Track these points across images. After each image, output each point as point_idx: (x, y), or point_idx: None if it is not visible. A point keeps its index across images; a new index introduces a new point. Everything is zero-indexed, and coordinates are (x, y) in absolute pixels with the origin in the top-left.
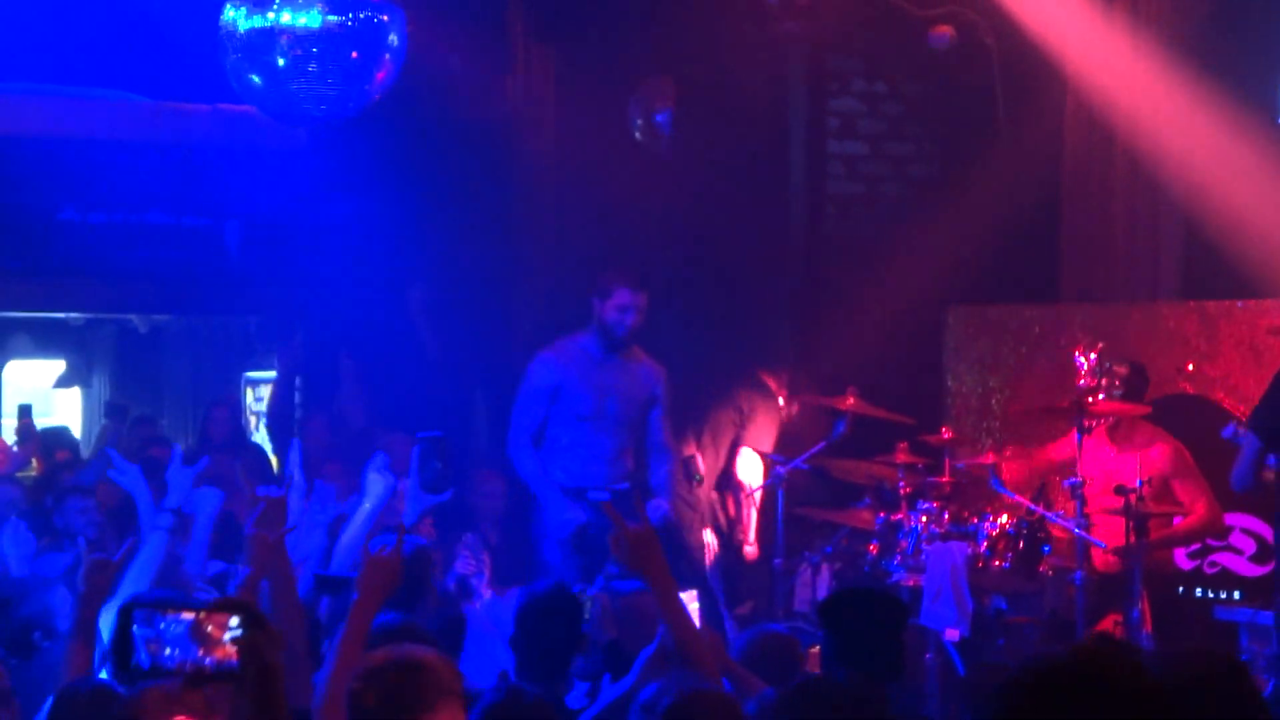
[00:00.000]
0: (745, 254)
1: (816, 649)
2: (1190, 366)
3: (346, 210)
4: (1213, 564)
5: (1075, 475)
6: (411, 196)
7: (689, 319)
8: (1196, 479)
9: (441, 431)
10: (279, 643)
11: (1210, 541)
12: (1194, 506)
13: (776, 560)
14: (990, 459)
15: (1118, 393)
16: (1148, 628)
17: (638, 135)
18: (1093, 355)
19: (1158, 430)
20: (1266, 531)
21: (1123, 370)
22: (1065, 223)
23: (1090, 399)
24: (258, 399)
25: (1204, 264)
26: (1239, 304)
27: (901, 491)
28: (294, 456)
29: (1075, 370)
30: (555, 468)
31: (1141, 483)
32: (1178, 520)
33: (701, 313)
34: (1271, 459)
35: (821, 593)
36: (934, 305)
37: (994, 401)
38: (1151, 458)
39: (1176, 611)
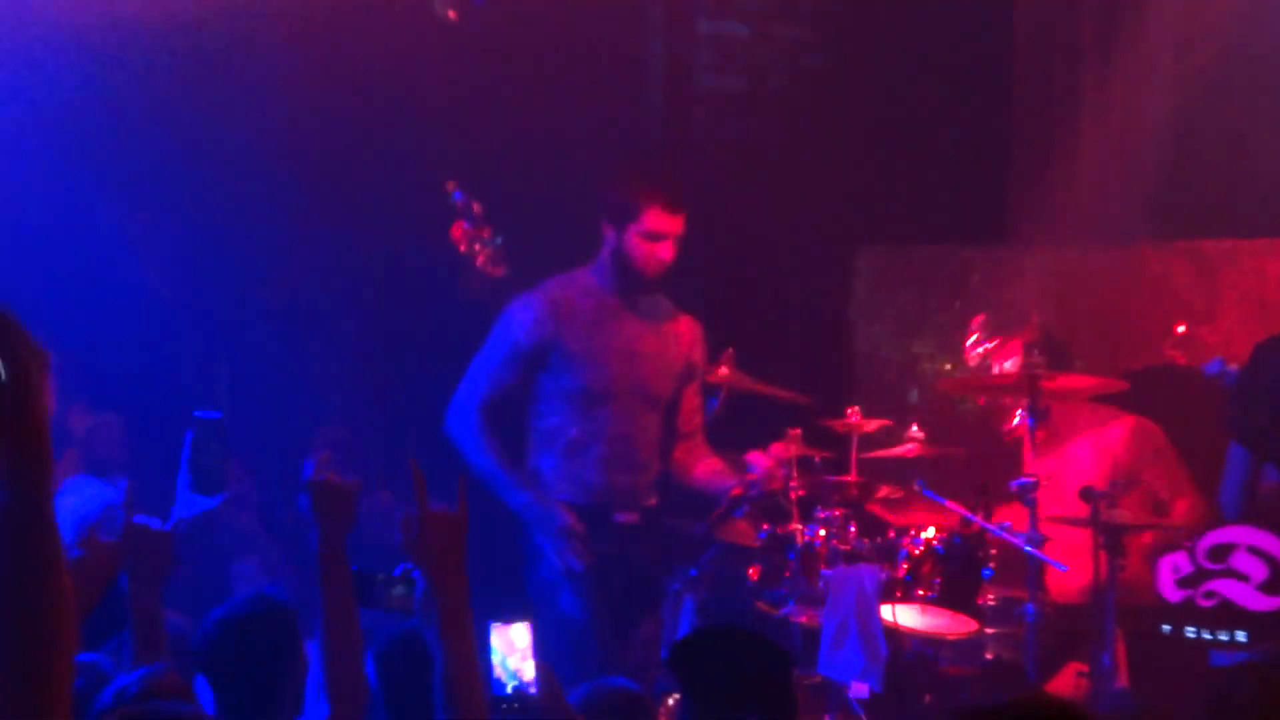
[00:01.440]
0: (585, 166)
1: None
2: (1181, 329)
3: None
4: (1209, 594)
5: (1025, 474)
6: None
7: (511, 252)
8: (1174, 464)
9: (222, 413)
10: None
11: (1206, 564)
12: (1173, 501)
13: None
14: (913, 451)
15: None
16: (1122, 679)
17: (437, 6)
18: (975, 324)
19: (1108, 408)
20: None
21: (1026, 338)
22: (1016, 137)
23: (1041, 372)
24: None
25: (1199, 196)
26: (1247, 244)
27: (792, 495)
28: None
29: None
30: (551, 479)
31: (1116, 483)
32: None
33: (527, 243)
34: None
35: (683, 630)
36: (839, 243)
37: (919, 373)
38: (1107, 442)
39: (1160, 657)
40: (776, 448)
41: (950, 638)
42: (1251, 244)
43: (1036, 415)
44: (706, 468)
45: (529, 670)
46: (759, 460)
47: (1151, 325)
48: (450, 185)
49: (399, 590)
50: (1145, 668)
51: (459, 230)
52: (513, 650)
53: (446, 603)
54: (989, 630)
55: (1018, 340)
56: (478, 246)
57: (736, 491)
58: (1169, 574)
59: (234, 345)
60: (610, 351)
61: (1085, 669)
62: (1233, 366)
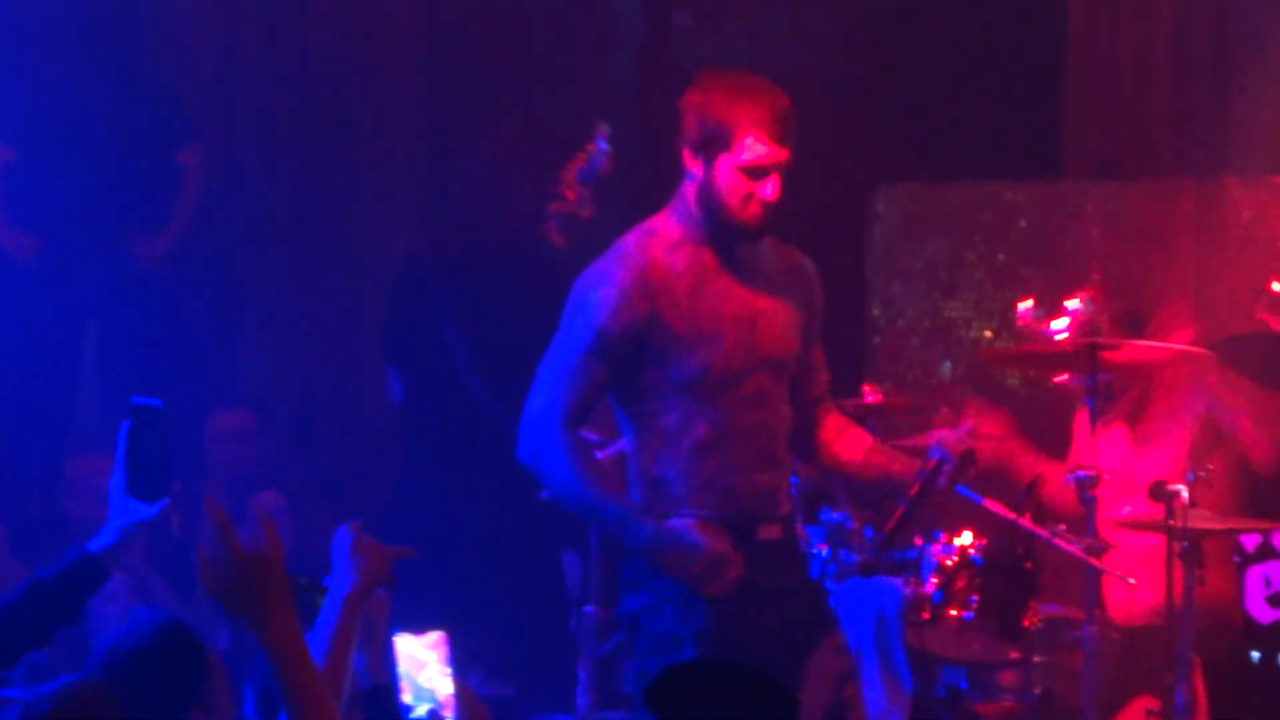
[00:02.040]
0: (550, 94)
1: None
2: (1278, 286)
3: None
4: None
5: (1084, 466)
6: None
7: (452, 192)
8: (1254, 389)
9: (162, 401)
10: None
11: None
12: (1262, 417)
13: (587, 607)
14: (945, 438)
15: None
16: (1201, 717)
17: None
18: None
19: (1180, 376)
20: None
21: (1088, 294)
22: (1071, 51)
23: (1097, 341)
24: None
25: None
26: None
27: (796, 492)
28: None
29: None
30: (681, 490)
31: (1194, 476)
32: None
33: (476, 181)
34: None
35: (670, 665)
36: (853, 183)
37: (952, 341)
38: (1179, 406)
39: (1248, 691)
40: (968, 419)
41: (990, 668)
42: None
43: (1096, 392)
44: (857, 445)
45: (445, 688)
46: (949, 437)
47: (1240, 281)
48: (603, 129)
49: (320, 600)
50: (1229, 704)
51: (573, 175)
52: (424, 665)
53: (276, 651)
54: (1037, 659)
55: (1075, 298)
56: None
57: (916, 489)
58: (1259, 587)
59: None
60: (724, 320)
61: (1156, 706)
62: None
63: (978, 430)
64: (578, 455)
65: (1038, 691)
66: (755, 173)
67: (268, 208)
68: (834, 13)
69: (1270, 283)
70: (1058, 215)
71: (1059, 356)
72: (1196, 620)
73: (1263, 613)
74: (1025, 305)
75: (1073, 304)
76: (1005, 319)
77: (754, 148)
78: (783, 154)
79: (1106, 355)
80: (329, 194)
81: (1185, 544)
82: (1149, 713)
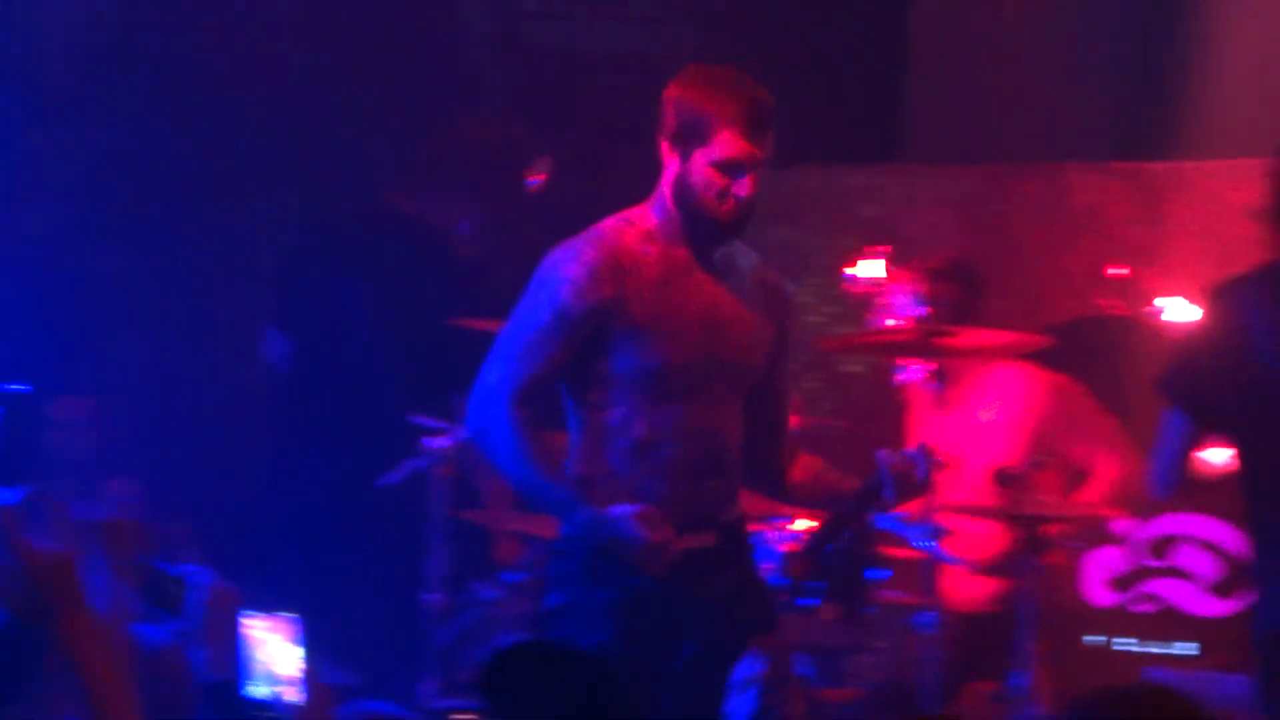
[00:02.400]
0: (397, 74)
1: None
2: (1118, 271)
3: None
4: (1148, 597)
5: (920, 450)
6: None
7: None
8: (1095, 421)
9: (31, 385)
10: None
11: (1145, 560)
12: (1095, 467)
13: (428, 595)
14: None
15: (945, 315)
16: (1042, 703)
17: None
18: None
19: (1024, 364)
20: (1235, 543)
21: (935, 264)
22: (917, 36)
23: (936, 328)
24: None
25: (1144, 113)
26: (1201, 166)
27: None
28: None
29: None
30: (609, 491)
31: (1038, 461)
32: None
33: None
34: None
35: (501, 648)
36: None
37: (798, 326)
38: (1023, 407)
39: (1088, 675)
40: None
41: (833, 654)
42: (1208, 165)
43: (934, 378)
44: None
45: (290, 670)
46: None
47: (1082, 266)
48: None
49: (177, 592)
50: (1070, 688)
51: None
52: (272, 648)
53: (72, 654)
54: (877, 644)
55: (919, 275)
56: None
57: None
58: (1099, 573)
59: None
60: (688, 318)
61: (996, 687)
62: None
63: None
64: (524, 433)
65: (881, 677)
66: (730, 169)
67: (130, 188)
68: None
69: (1108, 268)
70: (899, 200)
71: (898, 344)
72: (1038, 606)
73: (1102, 597)
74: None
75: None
76: (850, 305)
77: (729, 143)
78: (758, 151)
79: (944, 341)
80: (193, 179)
81: (1027, 531)
82: (989, 697)
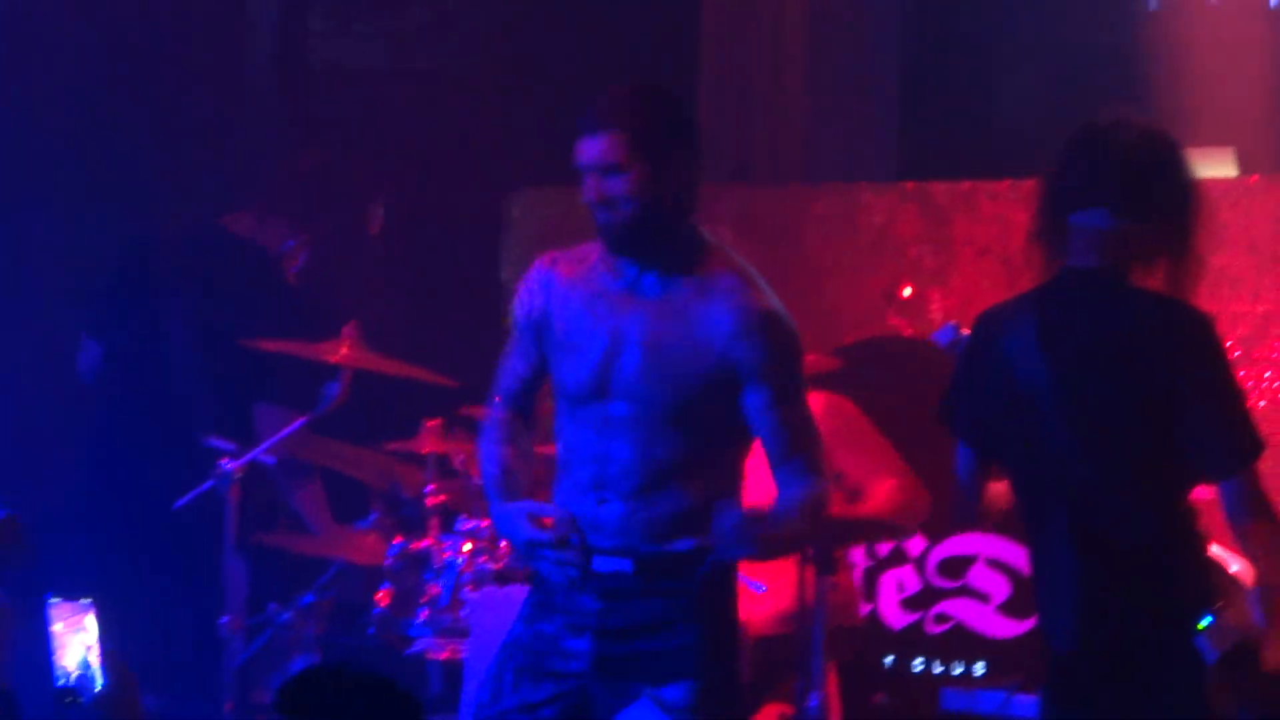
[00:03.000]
0: (180, 100)
1: None
2: (907, 291)
3: None
4: (941, 617)
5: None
6: None
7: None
8: (868, 440)
9: None
10: None
11: (936, 581)
12: (869, 485)
13: (223, 618)
14: None
15: None
16: None
17: None
18: None
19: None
20: (1025, 562)
21: None
22: (706, 62)
23: None
24: None
25: (930, 137)
26: (986, 186)
27: (430, 502)
28: None
29: None
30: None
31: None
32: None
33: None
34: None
35: (295, 668)
36: (488, 189)
37: None
38: None
39: (880, 697)
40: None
41: None
42: (993, 185)
43: None
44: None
45: (94, 658)
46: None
47: (871, 286)
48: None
49: None
50: (862, 709)
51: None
52: (79, 632)
53: None
54: None
55: None
56: None
57: None
58: (892, 593)
59: None
60: (591, 338)
61: (789, 711)
62: (965, 334)
63: None
64: (491, 433)
65: None
66: (588, 170)
67: None
68: (472, 14)
69: (901, 288)
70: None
71: None
72: (829, 627)
73: (896, 618)
74: None
75: None
76: None
77: (580, 147)
78: (613, 149)
79: None
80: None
81: (816, 552)
82: (782, 718)
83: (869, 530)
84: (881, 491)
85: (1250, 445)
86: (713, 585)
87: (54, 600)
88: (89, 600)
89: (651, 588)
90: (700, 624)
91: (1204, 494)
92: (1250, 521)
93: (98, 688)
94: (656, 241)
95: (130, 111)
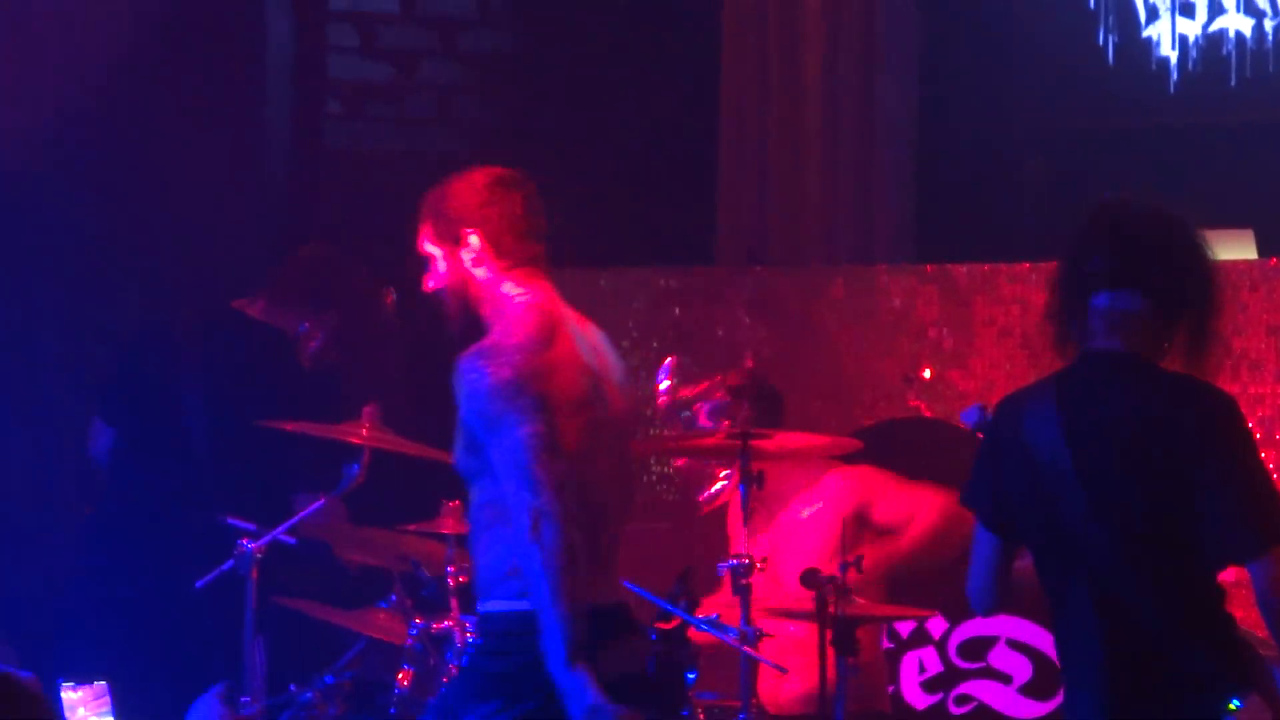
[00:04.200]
0: (192, 187)
1: None
2: (927, 374)
3: None
4: (963, 698)
5: (736, 555)
6: None
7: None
8: (898, 488)
9: None
10: None
11: (958, 662)
12: (915, 511)
13: (243, 698)
14: None
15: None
16: None
17: None
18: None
19: (818, 461)
20: (1048, 644)
21: (734, 382)
22: (725, 144)
23: (748, 431)
24: None
25: (947, 221)
26: (1006, 268)
27: (451, 583)
28: None
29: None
30: None
31: (848, 564)
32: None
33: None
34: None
35: None
36: None
37: None
38: (825, 504)
39: None
40: None
41: None
42: (1012, 268)
43: (749, 481)
44: None
45: None
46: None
47: (891, 369)
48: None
49: None
50: None
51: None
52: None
53: None
54: None
55: (718, 387)
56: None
57: None
58: (913, 673)
59: None
60: None
61: None
62: (990, 413)
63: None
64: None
65: None
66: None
67: None
68: (482, 100)
69: (921, 370)
70: (709, 302)
71: (711, 447)
72: (849, 708)
73: (917, 698)
74: (662, 385)
75: (664, 383)
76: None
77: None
78: (418, 244)
79: (756, 444)
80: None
81: (837, 632)
82: None
83: (924, 549)
84: (926, 517)
85: (1278, 525)
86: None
87: (66, 684)
88: (104, 683)
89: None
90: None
91: (1232, 575)
92: (1276, 604)
93: None
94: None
95: (142, 191)
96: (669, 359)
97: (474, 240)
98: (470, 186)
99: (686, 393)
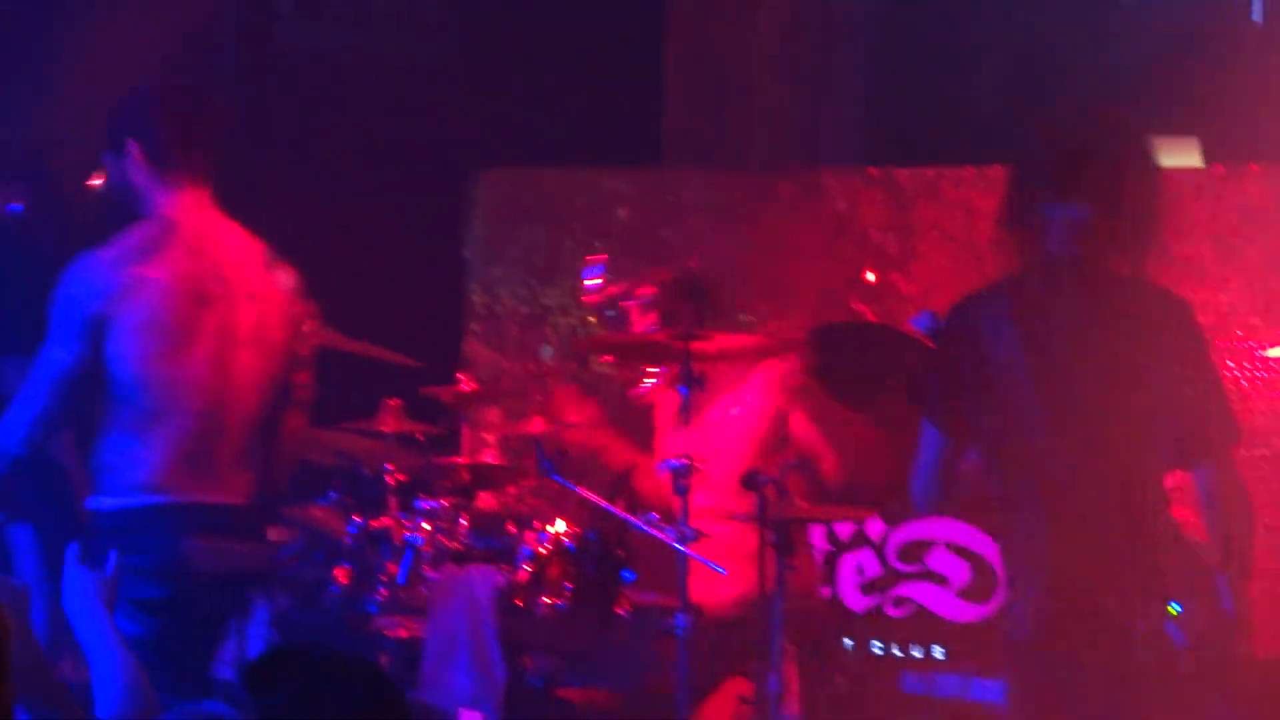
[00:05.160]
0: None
1: None
2: (870, 277)
3: None
4: (901, 600)
5: (678, 456)
6: None
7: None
8: (819, 416)
9: None
10: None
11: (897, 564)
12: (822, 452)
13: None
14: (539, 427)
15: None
16: (793, 706)
17: None
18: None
19: (766, 364)
20: (987, 548)
21: (664, 277)
22: (672, 44)
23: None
24: None
25: (896, 122)
26: (951, 172)
27: (389, 481)
28: None
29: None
30: None
31: (788, 466)
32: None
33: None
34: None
35: (255, 649)
36: (453, 168)
37: (552, 328)
38: (757, 398)
39: (840, 679)
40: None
41: (584, 656)
42: (957, 172)
43: (690, 383)
44: None
45: None
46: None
47: (834, 272)
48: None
49: None
50: (821, 691)
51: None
52: None
53: None
54: (630, 647)
55: (650, 286)
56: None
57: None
58: (852, 576)
59: None
60: None
61: (747, 692)
62: (942, 321)
63: (567, 418)
64: None
65: (631, 679)
66: None
67: None
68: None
69: (864, 272)
70: (657, 204)
71: (651, 346)
72: (788, 610)
73: (855, 601)
74: (590, 281)
75: (593, 279)
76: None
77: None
78: None
79: (695, 344)
80: None
81: (776, 533)
82: (741, 700)
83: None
84: (830, 466)
85: (1229, 431)
86: None
87: None
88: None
89: None
90: None
91: (1174, 480)
92: (1224, 507)
93: None
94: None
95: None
96: (598, 256)
97: (133, 149)
98: (138, 98)
99: (614, 290)
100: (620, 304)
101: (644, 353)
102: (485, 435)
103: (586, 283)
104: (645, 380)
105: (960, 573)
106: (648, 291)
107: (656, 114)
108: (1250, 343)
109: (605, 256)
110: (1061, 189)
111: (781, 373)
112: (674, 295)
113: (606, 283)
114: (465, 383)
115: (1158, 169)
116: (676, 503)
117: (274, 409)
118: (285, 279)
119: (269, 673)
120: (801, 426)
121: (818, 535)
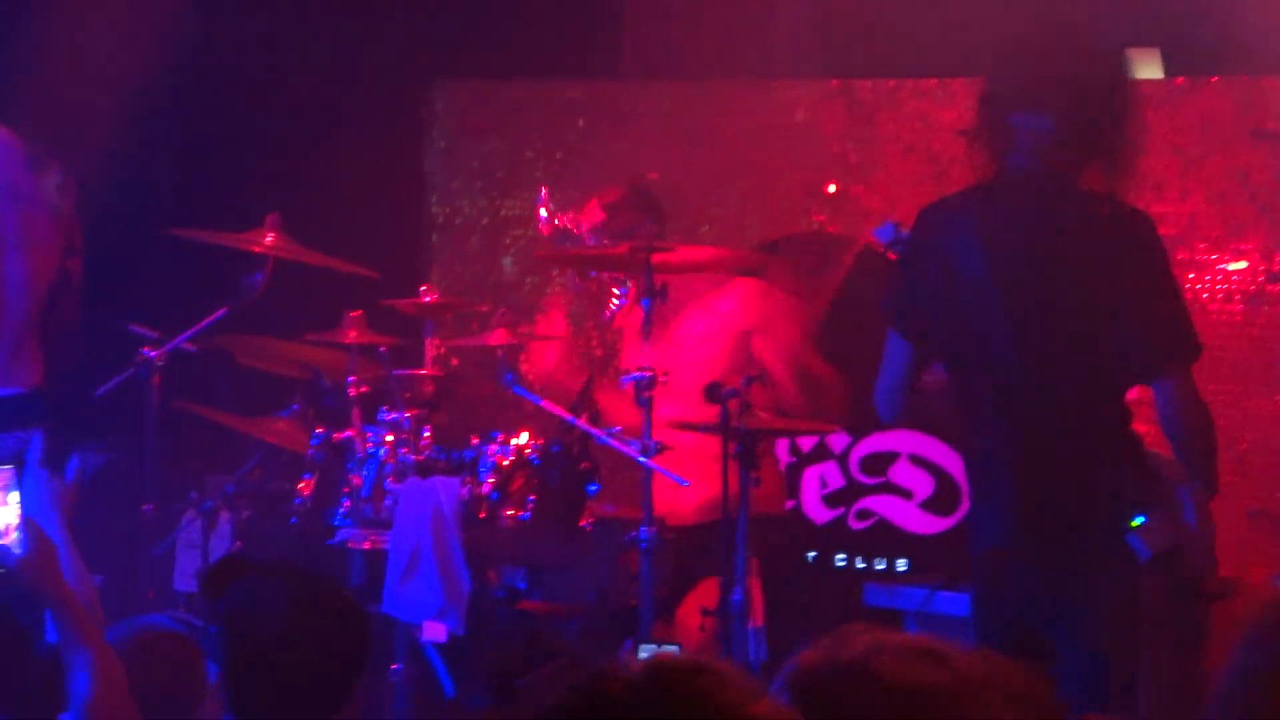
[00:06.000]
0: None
1: None
2: (831, 188)
3: None
4: (864, 513)
5: (641, 368)
6: None
7: None
8: (788, 326)
9: None
10: None
11: (859, 477)
12: (786, 388)
13: (146, 505)
14: (502, 338)
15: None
16: (757, 619)
17: None
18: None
19: (731, 278)
20: (950, 461)
21: (610, 199)
22: None
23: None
24: None
25: (855, 33)
26: (911, 83)
27: (352, 393)
28: None
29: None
30: None
31: (750, 379)
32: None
33: None
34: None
35: (218, 555)
36: (411, 77)
37: (511, 240)
38: (724, 314)
39: (803, 591)
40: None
41: (547, 568)
42: (918, 83)
43: (651, 294)
44: None
45: (7, 517)
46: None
47: (795, 183)
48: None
49: None
50: (785, 604)
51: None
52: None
53: None
54: (594, 559)
55: (597, 214)
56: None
57: None
58: (815, 488)
59: None
60: None
61: (711, 606)
62: (907, 232)
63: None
64: None
65: (597, 590)
66: None
67: None
68: None
69: (826, 185)
70: (616, 115)
71: (613, 258)
72: (752, 522)
73: (818, 513)
74: (541, 214)
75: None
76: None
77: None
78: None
79: (657, 257)
80: None
81: (740, 445)
82: (704, 612)
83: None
84: (792, 387)
85: (1189, 345)
86: None
87: None
88: (9, 467)
89: None
90: None
91: (1135, 393)
92: (1184, 421)
93: (17, 553)
94: None
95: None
96: (542, 189)
97: None
98: None
99: (564, 220)
100: (573, 233)
101: (605, 265)
102: (446, 346)
103: (539, 213)
104: (612, 301)
105: (924, 485)
106: (595, 219)
107: (616, 26)
108: (1211, 255)
109: (546, 189)
110: (1028, 100)
111: (751, 298)
112: (624, 211)
113: (552, 213)
114: (427, 294)
115: (1124, 83)
116: (639, 414)
117: (50, 300)
118: (52, 176)
119: (222, 578)
120: (767, 354)
121: (781, 448)
